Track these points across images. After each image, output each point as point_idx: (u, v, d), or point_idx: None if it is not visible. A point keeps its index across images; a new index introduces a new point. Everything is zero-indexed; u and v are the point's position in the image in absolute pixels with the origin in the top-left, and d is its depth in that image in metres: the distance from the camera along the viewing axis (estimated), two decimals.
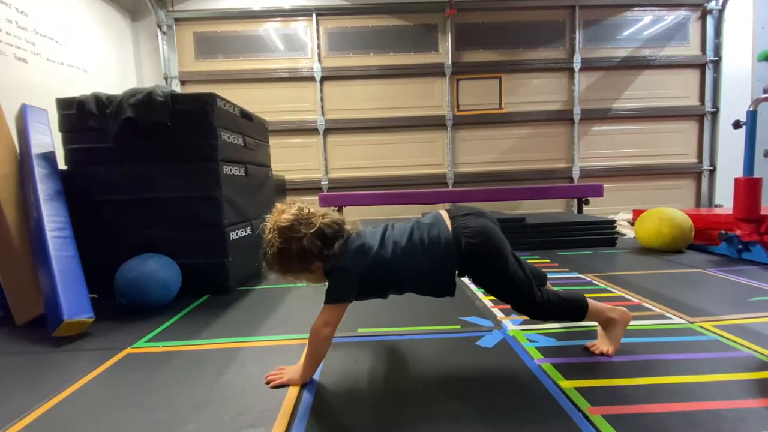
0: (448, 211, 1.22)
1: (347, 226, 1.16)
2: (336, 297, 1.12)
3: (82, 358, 1.38)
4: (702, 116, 4.92)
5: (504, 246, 1.17)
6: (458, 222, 1.16)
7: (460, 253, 1.13)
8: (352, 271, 1.12)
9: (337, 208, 4.12)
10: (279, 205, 1.13)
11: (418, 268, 1.15)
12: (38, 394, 1.14)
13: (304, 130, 4.80)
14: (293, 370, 1.16)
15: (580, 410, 0.98)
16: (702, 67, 4.87)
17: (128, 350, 1.43)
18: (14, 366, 1.35)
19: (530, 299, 1.18)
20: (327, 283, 1.16)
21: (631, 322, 1.51)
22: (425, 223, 1.19)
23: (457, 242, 1.13)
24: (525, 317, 1.55)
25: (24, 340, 1.58)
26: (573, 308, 1.25)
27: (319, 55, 4.72)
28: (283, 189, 3.97)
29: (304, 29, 4.73)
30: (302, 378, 1.14)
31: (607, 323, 1.29)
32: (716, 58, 4.82)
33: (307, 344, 1.15)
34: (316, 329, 1.12)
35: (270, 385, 1.14)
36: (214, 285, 2.12)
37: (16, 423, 1.01)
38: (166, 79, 4.62)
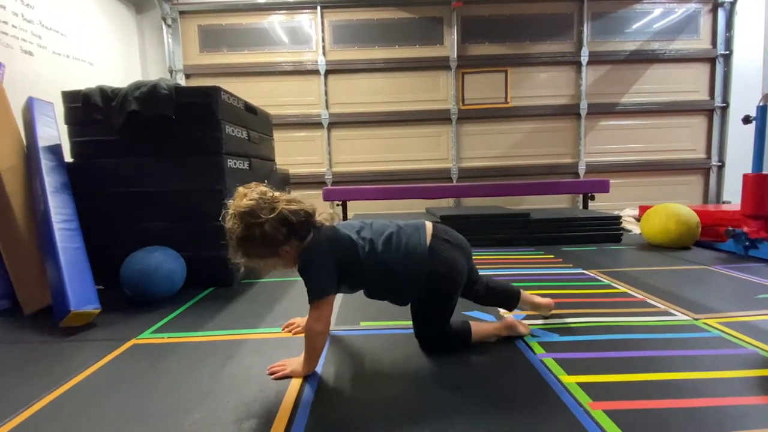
0: (434, 226, 1.26)
1: (320, 217, 1.15)
2: (318, 294, 1.13)
3: (88, 348, 1.40)
4: (711, 111, 4.85)
5: (459, 287, 1.25)
6: (437, 244, 1.21)
7: (426, 270, 1.18)
8: (324, 264, 1.12)
9: (340, 202, 4.12)
10: (241, 189, 1.08)
11: (388, 272, 1.18)
12: (46, 383, 1.16)
13: (308, 123, 4.79)
14: (296, 362, 1.17)
15: (581, 405, 0.98)
16: (712, 61, 4.79)
17: (134, 341, 1.45)
18: (23, 355, 1.37)
19: (437, 334, 1.26)
20: (302, 279, 1.15)
21: (635, 319, 1.52)
22: (406, 232, 1.22)
23: (428, 261, 1.18)
24: (526, 312, 1.56)
25: (32, 329, 1.61)
26: (460, 339, 1.28)
27: (323, 48, 4.69)
28: (287, 183, 3.96)
29: (308, 22, 4.71)
30: (305, 371, 1.15)
31: (499, 336, 1.35)
32: (727, 52, 4.74)
33: (305, 341, 1.16)
34: (309, 327, 1.14)
35: (273, 377, 1.15)
36: (218, 278, 2.13)
37: (25, 410, 1.03)
38: (170, 72, 4.63)
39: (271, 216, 1.04)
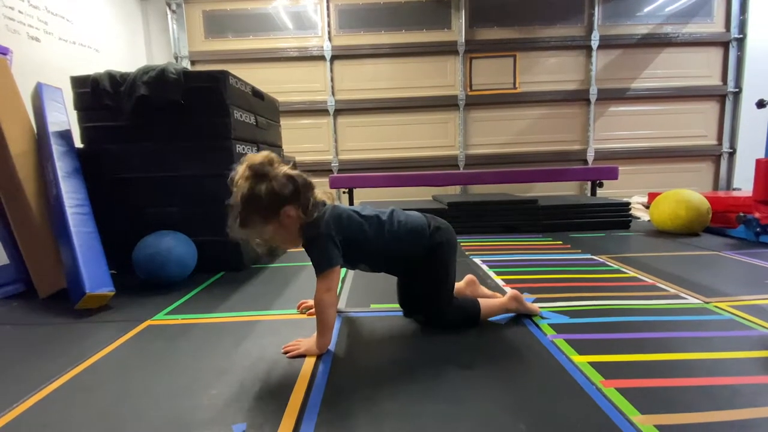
0: (423, 214, 1.38)
1: (322, 195, 1.21)
2: (324, 265, 1.17)
3: (105, 329, 1.42)
4: (724, 96, 4.75)
5: (455, 254, 1.35)
6: (430, 216, 1.36)
7: (427, 236, 1.29)
8: (331, 235, 1.18)
9: (346, 190, 4.12)
10: (249, 155, 1.16)
11: (396, 241, 1.26)
12: (66, 361, 1.19)
13: (314, 110, 4.76)
14: (309, 342, 1.19)
15: (593, 383, 0.98)
16: (726, 45, 4.68)
17: (149, 322, 1.47)
18: (41, 335, 1.40)
19: (446, 307, 1.31)
20: (309, 255, 1.20)
21: (645, 302, 1.52)
22: (403, 211, 1.34)
23: (428, 228, 1.30)
24: (534, 295, 1.57)
25: (48, 312, 1.64)
26: (469, 315, 1.33)
27: (329, 33, 4.63)
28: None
29: (314, 6, 4.64)
30: (318, 349, 1.17)
31: (508, 310, 1.40)
32: (741, 36, 4.62)
33: (316, 315, 1.19)
34: (319, 298, 1.17)
35: (287, 355, 1.16)
36: (228, 262, 2.15)
37: (45, 387, 1.05)
38: (176, 59, 4.60)
39: (279, 171, 1.11)
